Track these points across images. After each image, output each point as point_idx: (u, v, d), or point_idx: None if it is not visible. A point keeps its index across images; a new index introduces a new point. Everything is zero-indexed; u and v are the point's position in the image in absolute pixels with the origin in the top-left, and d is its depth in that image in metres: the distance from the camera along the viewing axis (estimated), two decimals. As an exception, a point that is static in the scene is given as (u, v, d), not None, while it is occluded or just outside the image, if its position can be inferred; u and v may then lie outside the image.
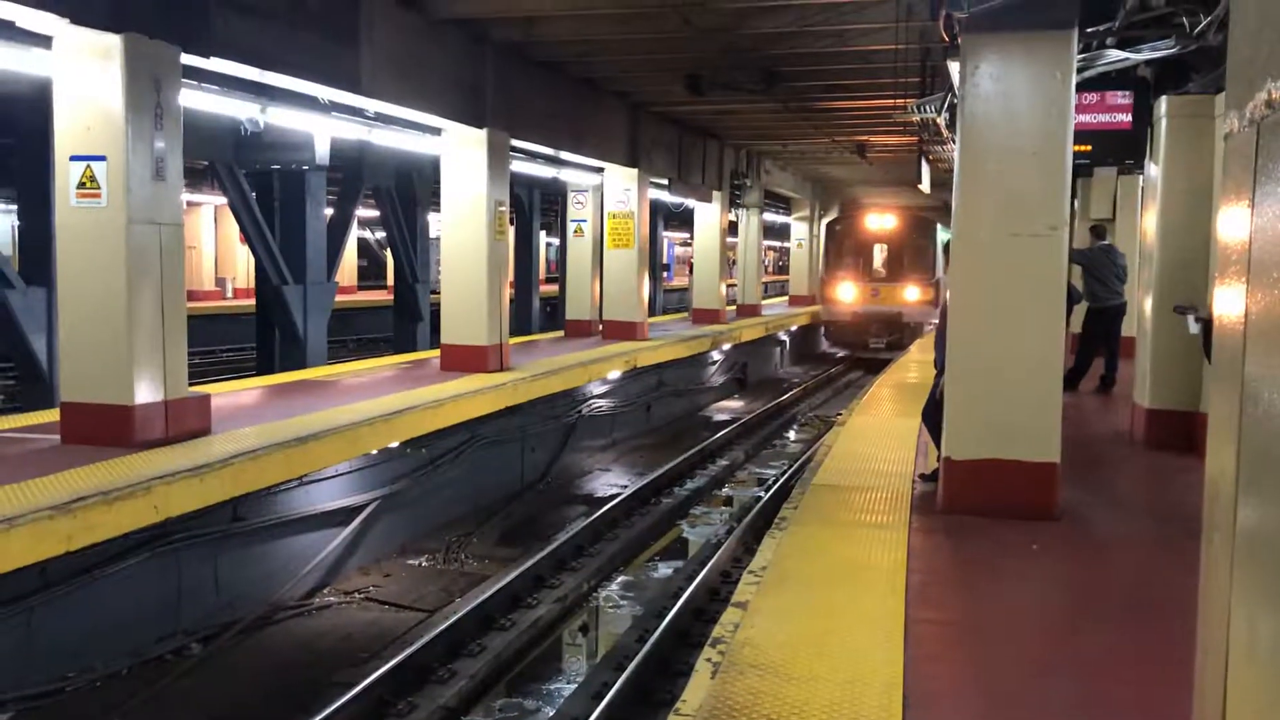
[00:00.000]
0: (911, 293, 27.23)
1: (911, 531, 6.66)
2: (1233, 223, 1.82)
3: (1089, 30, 7.66)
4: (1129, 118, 9.35)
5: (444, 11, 11.81)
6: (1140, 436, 9.76)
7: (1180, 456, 8.94)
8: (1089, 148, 9.34)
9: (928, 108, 12.13)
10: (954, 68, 8.00)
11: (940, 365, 7.83)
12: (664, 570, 10.35)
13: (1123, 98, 9.36)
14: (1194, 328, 7.95)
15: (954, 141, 7.96)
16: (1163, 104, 9.39)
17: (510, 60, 13.69)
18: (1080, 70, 7.86)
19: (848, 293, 27.78)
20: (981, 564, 6.25)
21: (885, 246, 27.84)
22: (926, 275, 27.04)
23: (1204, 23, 7.25)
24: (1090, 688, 4.44)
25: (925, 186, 20.90)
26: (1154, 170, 9.70)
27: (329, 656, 7.91)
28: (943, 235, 25.95)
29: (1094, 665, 4.67)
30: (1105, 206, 16.59)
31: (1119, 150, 9.55)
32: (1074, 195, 15.93)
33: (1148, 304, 9.76)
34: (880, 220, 28.14)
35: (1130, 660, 4.75)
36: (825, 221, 30.85)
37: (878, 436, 10.04)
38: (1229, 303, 1.85)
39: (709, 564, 9.64)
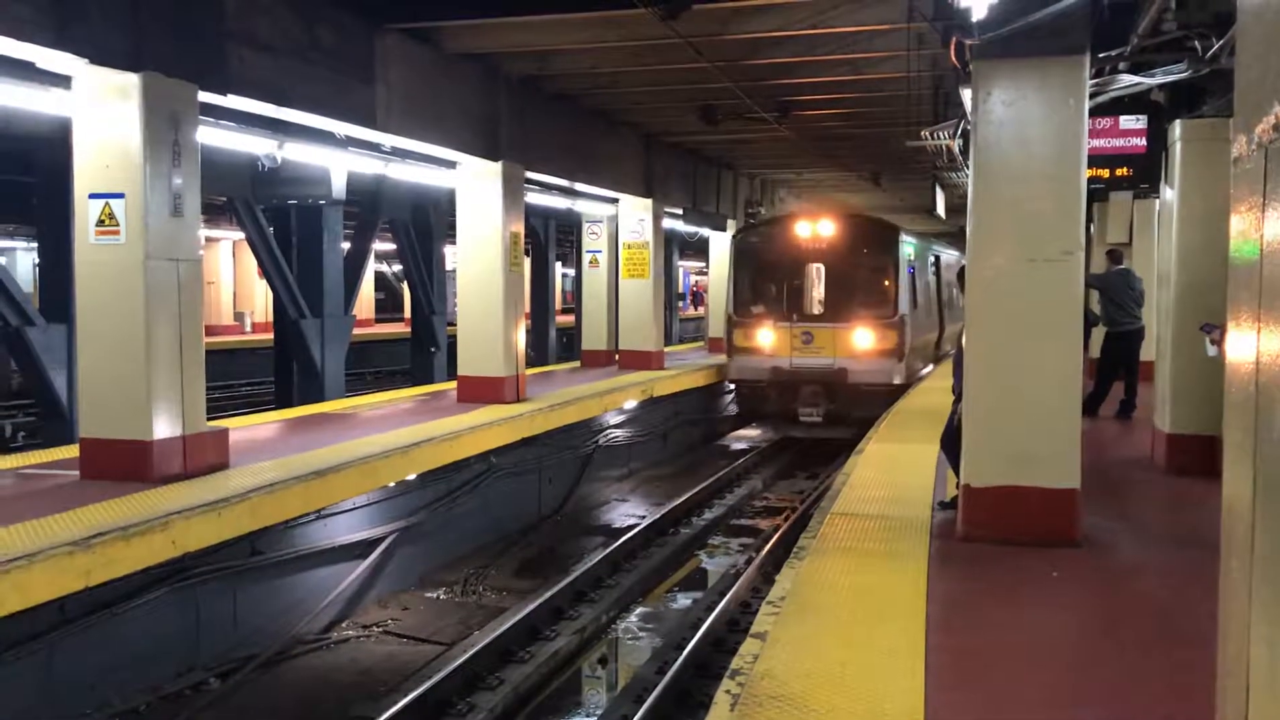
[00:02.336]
0: (862, 338, 17.64)
1: (931, 560, 6.61)
2: (1243, 247, 1.81)
3: (1101, 55, 7.67)
4: (1143, 142, 9.33)
5: (458, 46, 11.93)
6: (1161, 462, 9.67)
7: (1202, 481, 8.83)
8: (1103, 172, 9.33)
9: (941, 134, 12.14)
10: (966, 94, 8.01)
11: (958, 392, 7.79)
12: (683, 601, 10.30)
13: (1137, 122, 9.35)
14: (1211, 350, 7.90)
15: (968, 168, 7.96)
16: (1177, 128, 9.37)
17: (524, 93, 13.79)
18: (1093, 95, 7.86)
19: (765, 339, 18.26)
20: (1002, 592, 6.19)
21: (822, 268, 18.18)
22: (886, 310, 17.77)
23: (1216, 46, 7.24)
24: (1114, 717, 4.38)
25: (941, 213, 20.92)
26: (1170, 194, 9.67)
27: (347, 691, 7.89)
28: (910, 249, 18.86)
29: (1117, 694, 4.61)
30: (1121, 231, 16.54)
31: (1134, 174, 9.53)
32: (1090, 220, 15.89)
33: (1167, 328, 9.70)
34: (814, 229, 18.30)
35: (1154, 688, 4.68)
36: (734, 234, 20.55)
37: (896, 464, 9.99)
38: (1242, 327, 1.84)
39: (728, 594, 9.58)
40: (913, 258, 19.02)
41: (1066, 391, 7.00)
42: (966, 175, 8.34)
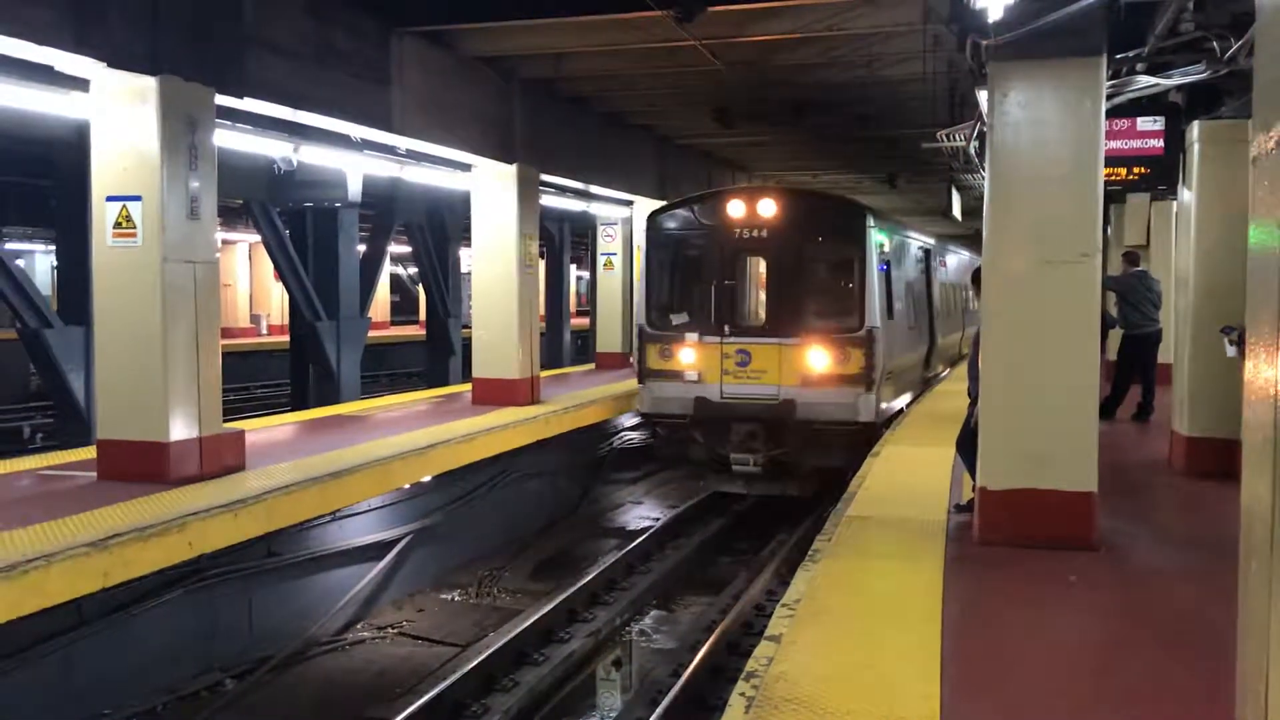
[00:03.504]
0: (817, 359, 12.90)
1: (947, 563, 6.58)
2: (1262, 247, 1.80)
3: (1118, 56, 7.62)
4: (1161, 143, 9.28)
5: (473, 49, 11.96)
6: (1180, 465, 9.62)
7: (1221, 485, 8.78)
8: (1121, 173, 9.28)
9: (957, 136, 12.10)
10: (982, 96, 7.98)
11: (974, 394, 7.76)
12: (697, 604, 10.28)
13: (1154, 123, 9.30)
14: (1230, 351, 7.85)
15: (984, 170, 7.93)
16: (1195, 129, 9.32)
17: (539, 96, 13.81)
18: (1110, 96, 7.81)
19: (687, 359, 13.41)
20: (1018, 596, 6.16)
21: (763, 264, 13.83)
22: (849, 320, 12.99)
23: (1235, 47, 7.18)
24: (1132, 722, 4.36)
25: (957, 215, 20.82)
26: (1188, 196, 9.62)
27: (362, 692, 7.91)
28: (884, 237, 13.90)
29: (1135, 699, 4.57)
30: (1139, 233, 16.45)
31: (1152, 176, 9.47)
32: (1107, 222, 15.81)
33: (1185, 330, 9.65)
34: (752, 210, 13.38)
35: (1173, 694, 4.65)
36: (646, 220, 14.54)
37: (912, 466, 9.95)
38: (1260, 327, 1.82)
39: (743, 597, 9.57)
40: (887, 249, 14.11)
41: (1083, 394, 6.96)
42: (983, 177, 8.31)
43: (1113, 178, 8.97)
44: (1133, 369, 12.86)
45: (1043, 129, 6.94)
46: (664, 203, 15.70)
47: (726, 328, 13.27)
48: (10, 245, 26.65)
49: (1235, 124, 8.96)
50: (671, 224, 14.14)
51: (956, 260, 22.35)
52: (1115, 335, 12.85)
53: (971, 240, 28.88)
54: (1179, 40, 7.49)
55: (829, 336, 12.89)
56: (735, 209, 13.42)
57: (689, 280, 14.12)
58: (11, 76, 7.96)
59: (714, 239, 13.62)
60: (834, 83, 13.64)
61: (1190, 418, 9.46)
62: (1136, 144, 9.24)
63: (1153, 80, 8.13)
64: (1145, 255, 14.70)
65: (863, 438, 12.53)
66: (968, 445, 7.74)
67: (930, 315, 17.66)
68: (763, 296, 13.79)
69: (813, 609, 5.63)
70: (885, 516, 7.91)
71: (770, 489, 13.30)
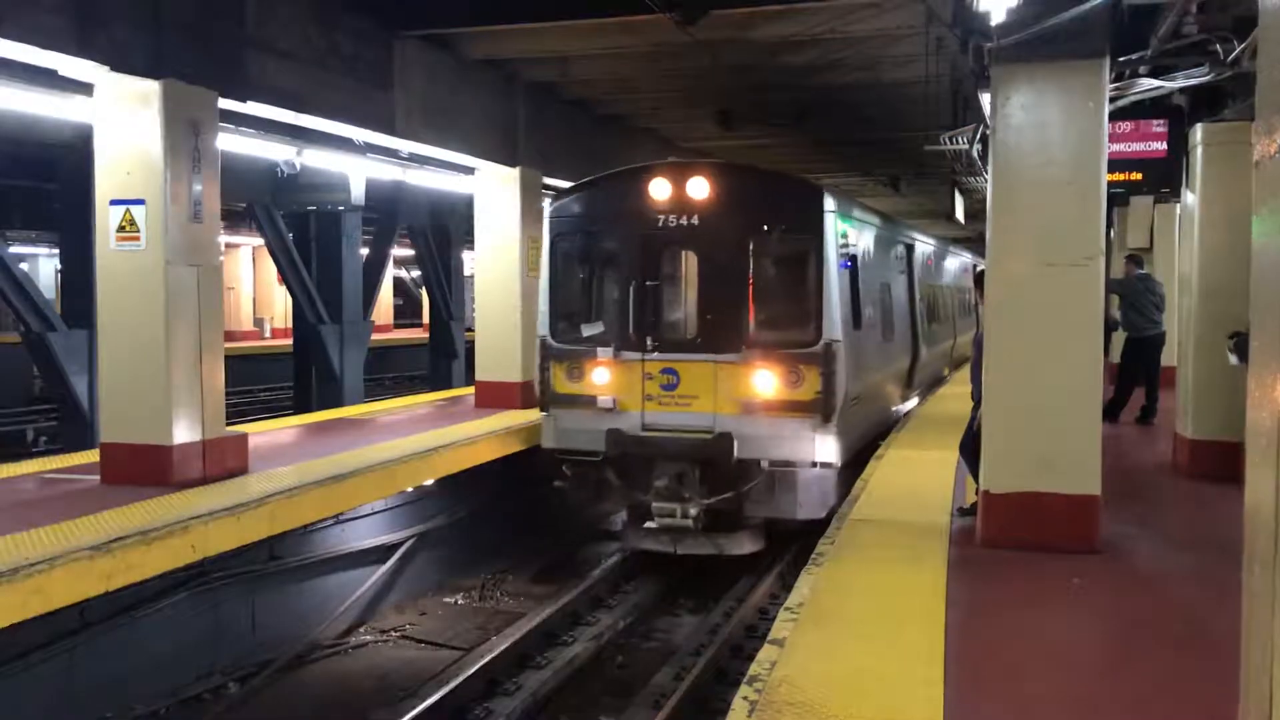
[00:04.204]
0: (762, 381, 10.34)
1: (950, 566, 6.57)
2: (1266, 250, 1.79)
3: (1121, 59, 7.62)
4: (1164, 146, 9.28)
5: (476, 53, 11.97)
6: (1183, 467, 9.60)
7: (1225, 487, 8.77)
8: (1124, 176, 9.28)
9: (959, 139, 12.10)
10: (985, 99, 7.98)
11: (977, 397, 7.75)
12: (701, 607, 10.25)
13: (1158, 126, 9.30)
14: (1233, 359, 7.84)
15: (987, 173, 7.93)
16: (1198, 131, 9.31)
17: (542, 99, 13.82)
18: (1113, 99, 7.82)
19: (600, 381, 10.86)
20: (1022, 599, 6.15)
21: (695, 257, 10.82)
22: (802, 331, 10.41)
23: (1238, 49, 7.19)
24: (1135, 725, 4.35)
25: (960, 218, 20.78)
26: (1191, 198, 9.61)
27: (365, 696, 7.90)
28: (848, 227, 11.27)
29: (1139, 702, 4.56)
30: (1142, 235, 16.44)
31: (1155, 178, 9.47)
32: (1110, 224, 15.78)
33: (1188, 333, 9.64)
34: (680, 192, 10.69)
35: (1176, 697, 4.64)
36: (550, 206, 11.79)
37: (915, 469, 9.93)
38: (1263, 331, 1.82)
39: (746, 600, 9.55)
40: (854, 242, 11.46)
41: (1087, 397, 6.95)
42: (986, 180, 8.31)
43: (1116, 180, 8.98)
44: (1136, 372, 12.86)
45: (1045, 132, 6.94)
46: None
47: (649, 341, 10.68)
48: (14, 249, 26.69)
49: (1238, 126, 8.95)
50: (580, 209, 11.32)
51: (948, 259, 21.35)
52: (1119, 338, 12.85)
53: (974, 243, 28.85)
54: (1182, 43, 7.50)
55: (777, 352, 10.33)
56: (659, 190, 10.67)
57: (603, 281, 11.36)
58: (15, 80, 7.98)
59: (633, 229, 10.83)
60: (836, 85, 13.64)
61: (1194, 420, 9.45)
62: (1140, 146, 9.24)
63: (1156, 83, 8.14)
64: (1149, 258, 14.69)
65: (823, 482, 10.31)
66: (971, 448, 7.72)
67: (913, 324, 15.19)
68: (693, 302, 10.86)
69: (816, 612, 5.62)
70: (888, 519, 7.90)
71: (703, 547, 10.47)
